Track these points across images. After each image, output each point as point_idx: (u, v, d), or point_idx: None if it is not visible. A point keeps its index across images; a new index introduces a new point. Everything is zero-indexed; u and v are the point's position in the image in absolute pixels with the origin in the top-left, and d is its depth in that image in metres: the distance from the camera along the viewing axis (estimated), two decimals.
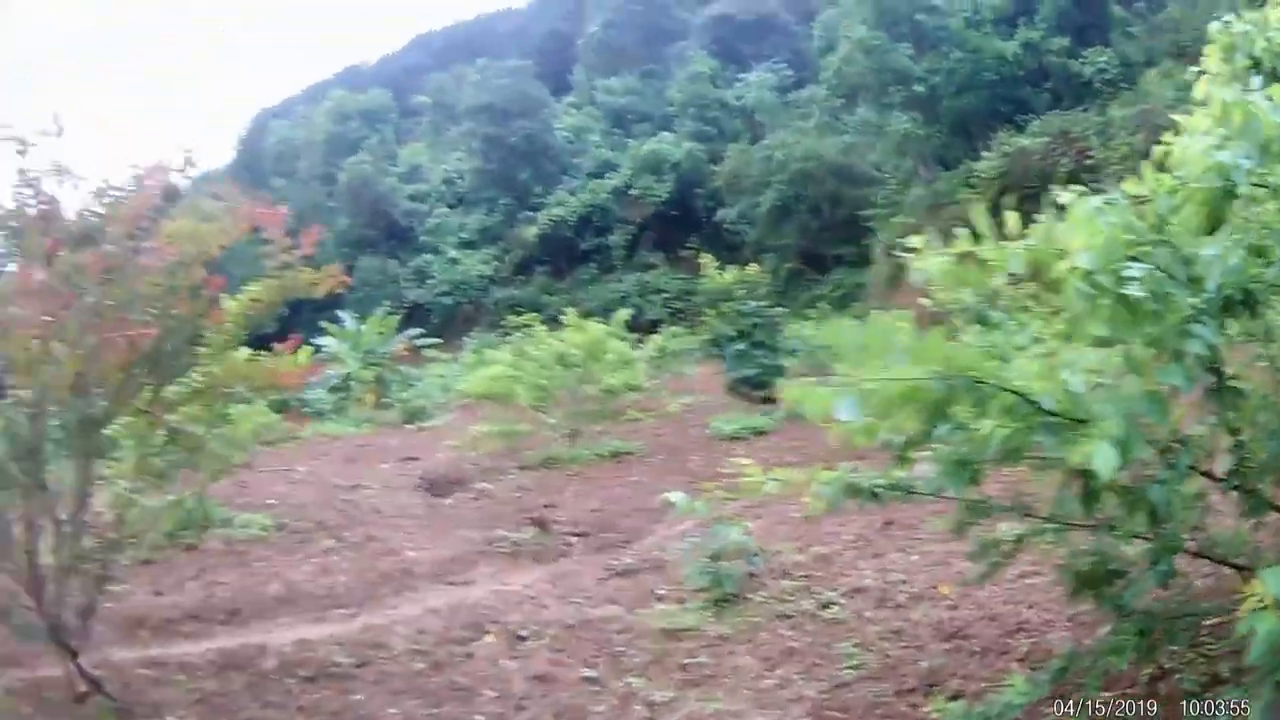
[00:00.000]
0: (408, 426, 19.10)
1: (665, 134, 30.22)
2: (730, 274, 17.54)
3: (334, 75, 49.14)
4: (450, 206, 32.57)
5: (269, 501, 12.07)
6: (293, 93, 47.90)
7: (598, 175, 30.95)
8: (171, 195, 5.67)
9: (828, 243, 28.40)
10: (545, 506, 10.50)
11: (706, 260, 18.68)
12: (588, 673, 5.90)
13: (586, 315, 15.03)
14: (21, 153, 5.22)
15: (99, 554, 5.91)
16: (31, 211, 5.30)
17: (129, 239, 5.15)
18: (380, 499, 12.44)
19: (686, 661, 5.82)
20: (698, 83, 30.42)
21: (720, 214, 28.57)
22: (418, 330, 25.77)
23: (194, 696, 6.09)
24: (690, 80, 30.53)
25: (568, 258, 30.45)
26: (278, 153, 32.53)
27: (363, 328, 23.17)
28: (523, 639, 6.56)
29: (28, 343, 4.67)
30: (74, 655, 5.82)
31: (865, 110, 28.05)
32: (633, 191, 29.37)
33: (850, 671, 5.39)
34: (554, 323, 14.71)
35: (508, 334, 18.17)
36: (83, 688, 5.90)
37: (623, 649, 6.14)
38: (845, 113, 29.18)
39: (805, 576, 7.09)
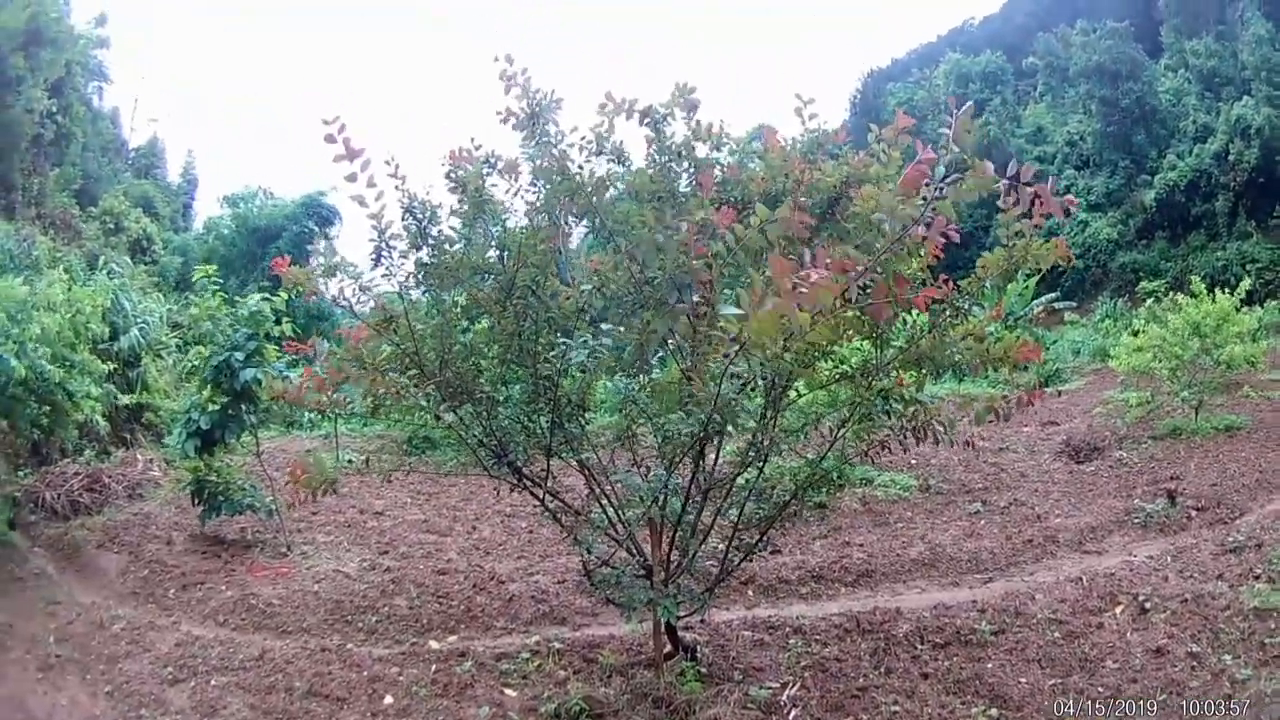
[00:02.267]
0: (1045, 390, 18.95)
1: (1247, 99, 26.44)
2: None
3: (938, 38, 49.45)
4: (1076, 169, 31.79)
5: (911, 461, 12.34)
6: (897, 54, 49.02)
7: (1201, 140, 28.01)
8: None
9: None
10: (1172, 478, 10.11)
11: None
12: (1193, 648, 5.77)
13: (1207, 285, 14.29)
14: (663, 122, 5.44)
15: (747, 517, 5.91)
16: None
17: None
18: (1024, 463, 12.34)
19: (1267, 641, 5.62)
20: (1261, 46, 26.02)
21: None
22: (1053, 294, 25.91)
23: (805, 661, 6.30)
24: (1255, 43, 26.18)
25: (1183, 223, 28.14)
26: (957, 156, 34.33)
27: (1005, 289, 23.62)
28: (1146, 611, 6.50)
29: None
30: (668, 615, 5.81)
31: None
32: (1229, 158, 26.19)
33: None
34: (1177, 290, 14.28)
35: (1135, 300, 17.60)
36: (667, 648, 6.13)
37: (1223, 626, 5.99)
38: None
39: None
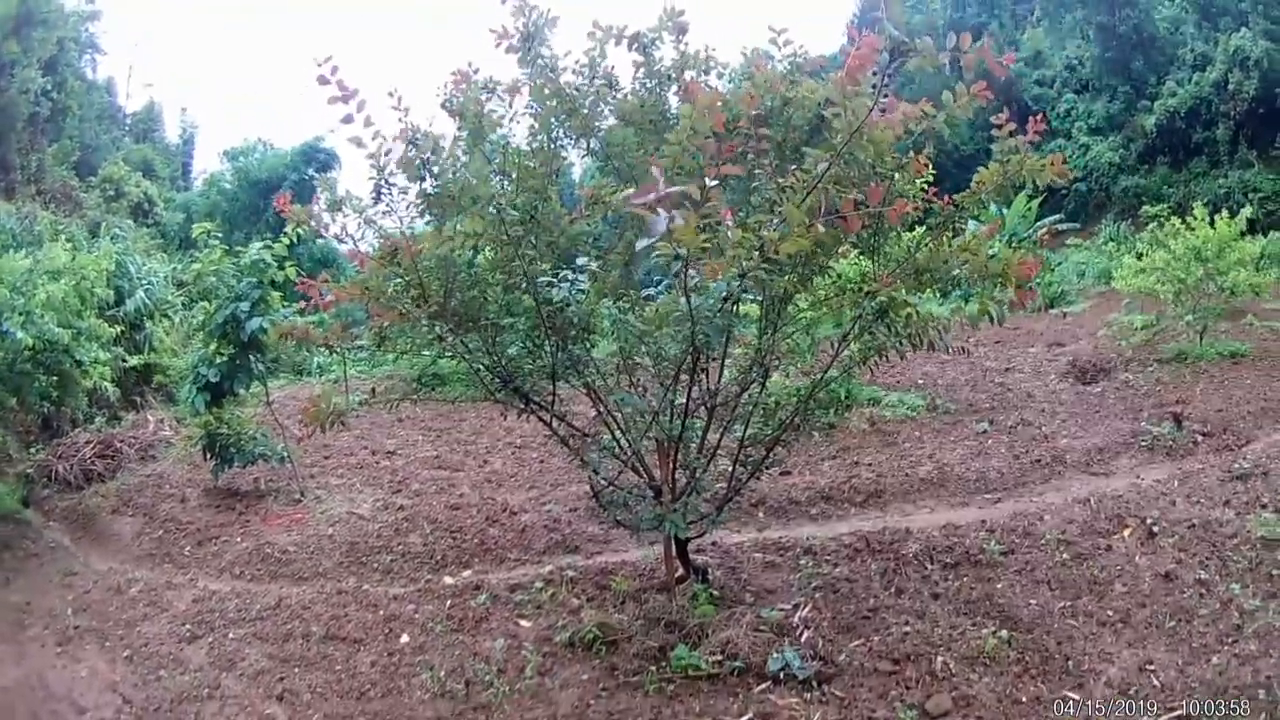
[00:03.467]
0: (1051, 311, 19.00)
1: (1245, 30, 26.20)
2: None
3: None
4: (1075, 93, 31.45)
5: (918, 381, 12.56)
6: None
7: (1199, 68, 27.73)
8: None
9: None
10: (1177, 402, 10.17)
11: None
12: (1201, 575, 5.84)
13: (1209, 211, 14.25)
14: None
15: (752, 440, 5.97)
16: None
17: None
18: (1031, 383, 12.37)
19: (1274, 573, 5.70)
20: None
21: None
22: (1056, 216, 25.78)
23: (815, 581, 6.37)
24: None
25: (1184, 149, 27.94)
26: (897, 38, 33.78)
27: (1006, 211, 23.02)
28: (1154, 535, 6.55)
29: None
30: (679, 539, 6.01)
31: None
32: (1229, 87, 25.95)
33: None
34: (1178, 215, 14.23)
35: (1137, 224, 17.49)
36: (679, 572, 6.22)
37: (1230, 554, 6.07)
38: None
39: None
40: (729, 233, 3.71)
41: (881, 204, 4.31)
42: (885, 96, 3.87)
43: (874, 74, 3.83)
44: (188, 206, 27.69)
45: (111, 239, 16.72)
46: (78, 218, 19.89)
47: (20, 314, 8.49)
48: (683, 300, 4.37)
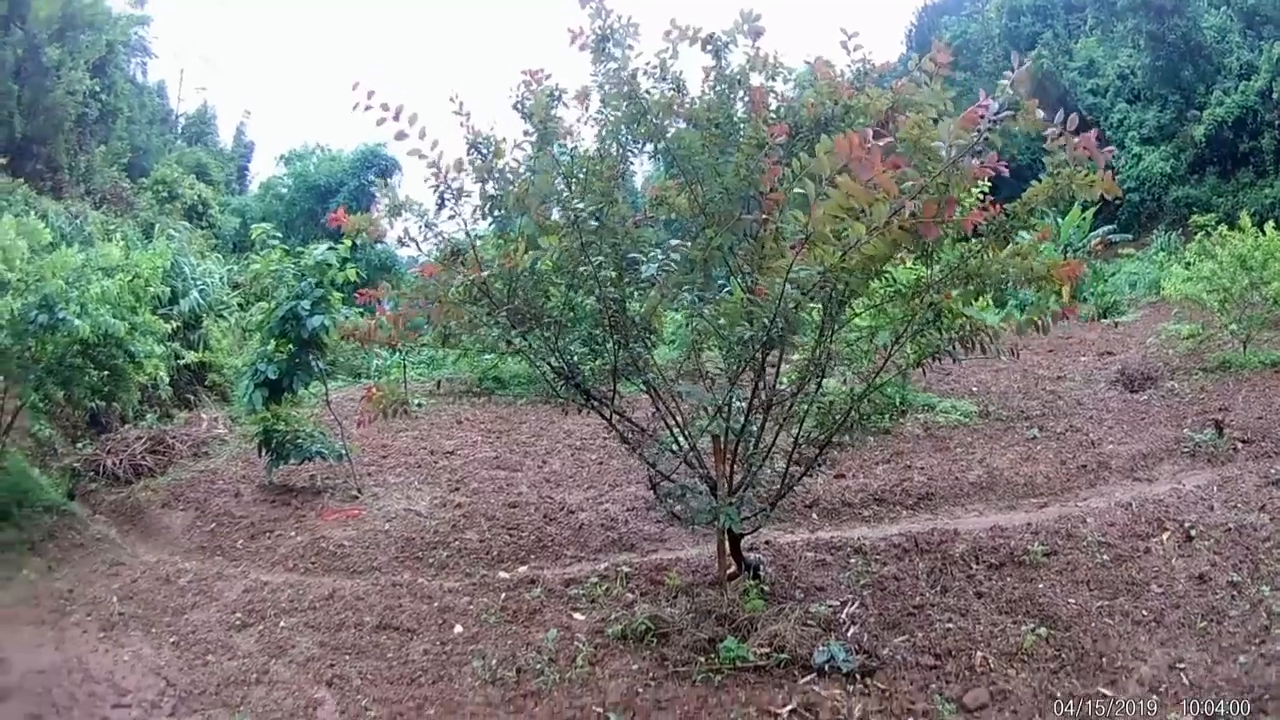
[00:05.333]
0: (1103, 321, 19.07)
1: None
2: None
3: None
4: (1128, 102, 31.16)
5: (972, 389, 12.66)
6: None
7: (1245, 77, 27.36)
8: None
9: None
10: (1220, 410, 10.17)
11: None
12: (1234, 577, 5.94)
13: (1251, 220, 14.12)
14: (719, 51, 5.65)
15: (807, 438, 6.09)
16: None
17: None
18: (1080, 391, 12.46)
19: None
20: None
21: None
22: (1109, 226, 25.57)
23: (864, 580, 6.52)
24: None
25: (1232, 159, 27.58)
26: (956, 47, 33.92)
27: (1060, 221, 23.11)
28: (1191, 539, 6.65)
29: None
30: (733, 536, 6.18)
31: None
32: (1274, 96, 25.61)
33: None
34: (1229, 225, 14.11)
35: (1189, 234, 17.38)
36: (732, 569, 6.32)
37: (1263, 557, 6.18)
38: None
39: None
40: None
41: (939, 213, 4.41)
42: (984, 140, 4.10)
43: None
44: (243, 211, 28.06)
45: (167, 239, 17.07)
46: (130, 218, 20.29)
47: (76, 304, 8.54)
48: (777, 283, 4.46)
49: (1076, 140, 4.68)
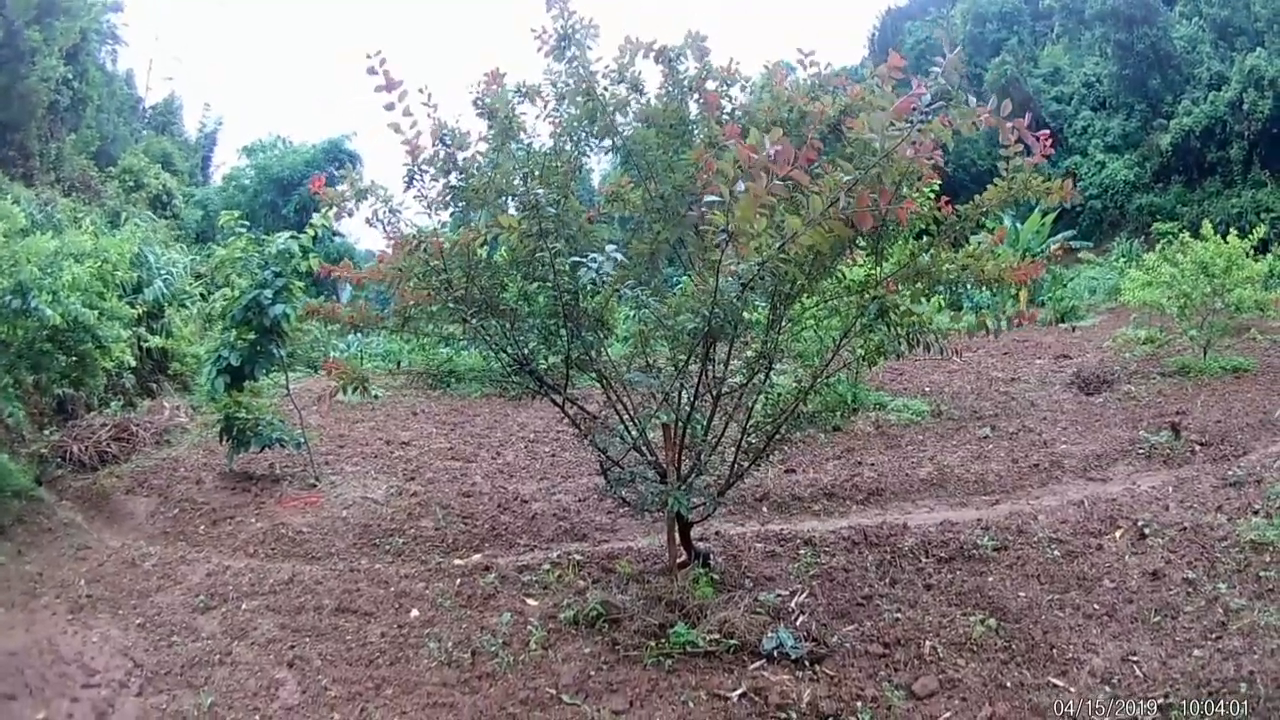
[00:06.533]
0: (1061, 325, 19.40)
1: (1260, 50, 26.43)
2: None
3: None
4: (1092, 110, 31.67)
5: (925, 389, 12.89)
6: None
7: (1215, 87, 27.94)
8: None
9: None
10: (1177, 413, 10.34)
11: None
12: (1189, 574, 5.97)
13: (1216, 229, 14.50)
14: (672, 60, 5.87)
15: (755, 429, 6.23)
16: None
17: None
18: (1035, 393, 12.63)
19: (1262, 574, 5.82)
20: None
21: None
22: (1070, 231, 25.89)
23: (814, 571, 6.62)
24: None
25: (1198, 169, 28.16)
26: (918, 52, 34.08)
27: (1020, 226, 23.49)
28: (1145, 537, 6.70)
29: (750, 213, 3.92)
30: (683, 525, 6.33)
31: None
32: (1244, 107, 26.17)
33: None
34: (1192, 234, 14.48)
35: (1151, 241, 17.71)
36: (682, 557, 6.45)
37: (1219, 556, 6.20)
38: None
39: None
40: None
41: (889, 205, 4.59)
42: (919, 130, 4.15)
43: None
44: (206, 202, 27.91)
45: (134, 226, 16.98)
46: (97, 206, 20.09)
47: (49, 293, 8.61)
48: (711, 279, 4.57)
49: (1028, 135, 4.76)
